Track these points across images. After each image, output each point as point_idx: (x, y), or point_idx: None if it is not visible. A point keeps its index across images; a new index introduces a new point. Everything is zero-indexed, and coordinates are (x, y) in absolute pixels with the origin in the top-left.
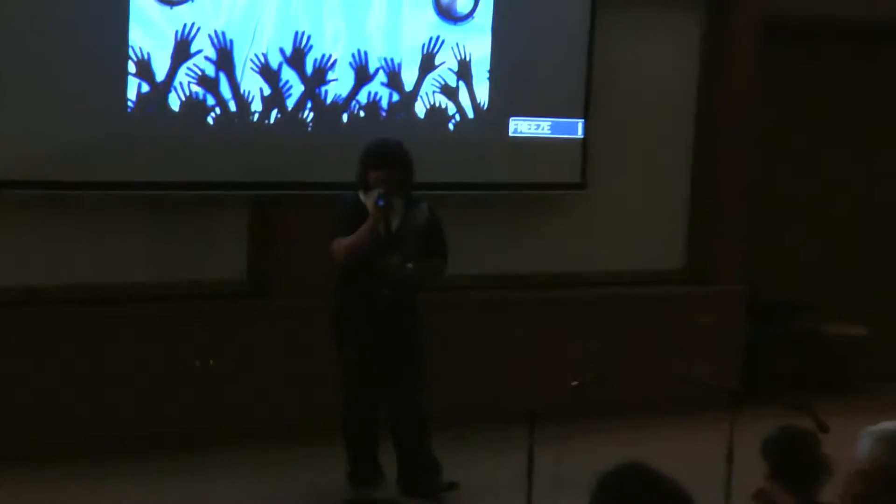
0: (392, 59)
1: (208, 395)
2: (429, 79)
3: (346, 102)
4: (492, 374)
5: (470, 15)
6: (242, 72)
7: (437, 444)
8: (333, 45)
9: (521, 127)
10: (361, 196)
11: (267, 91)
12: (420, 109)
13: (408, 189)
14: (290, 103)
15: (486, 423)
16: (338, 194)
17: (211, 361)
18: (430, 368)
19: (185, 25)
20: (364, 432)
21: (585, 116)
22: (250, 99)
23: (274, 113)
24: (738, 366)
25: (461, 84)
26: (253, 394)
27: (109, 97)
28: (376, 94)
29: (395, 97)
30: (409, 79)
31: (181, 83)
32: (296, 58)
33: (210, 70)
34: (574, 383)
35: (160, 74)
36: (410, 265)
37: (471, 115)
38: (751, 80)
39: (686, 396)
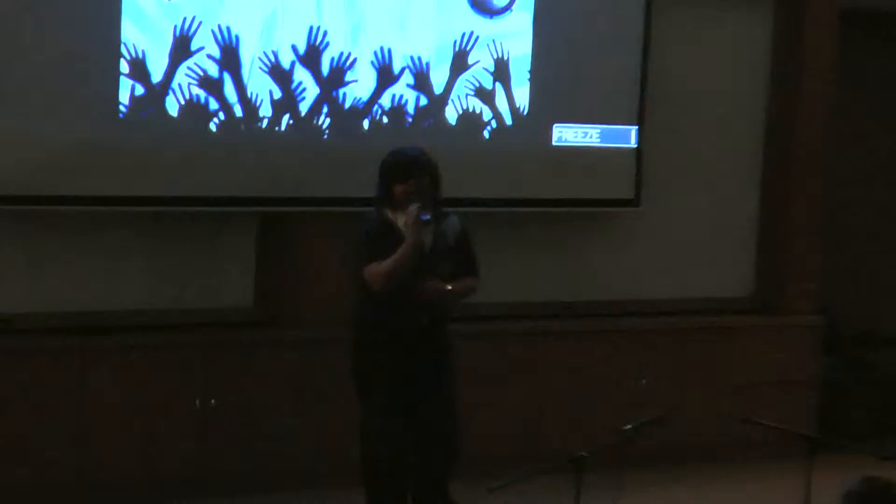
0: (419, 58)
1: (209, 437)
2: (461, 80)
3: (366, 107)
4: (530, 415)
5: (508, 7)
6: (250, 72)
7: (468, 497)
8: (353, 41)
9: (567, 135)
10: (388, 213)
11: (277, 94)
12: (451, 115)
13: (437, 200)
14: (304, 108)
15: (523, 473)
16: (357, 211)
17: (212, 401)
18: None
19: (184, 20)
20: (392, 485)
21: (639, 123)
22: (258, 103)
23: (285, 119)
24: (813, 407)
25: (498, 86)
26: (259, 437)
27: (98, 101)
28: (401, 97)
29: (423, 101)
30: (438, 80)
31: (180, 85)
32: (310, 56)
33: (213, 70)
34: (626, 427)
35: (156, 75)
36: (450, 287)
37: (509, 121)
38: (828, 81)
39: (754, 442)
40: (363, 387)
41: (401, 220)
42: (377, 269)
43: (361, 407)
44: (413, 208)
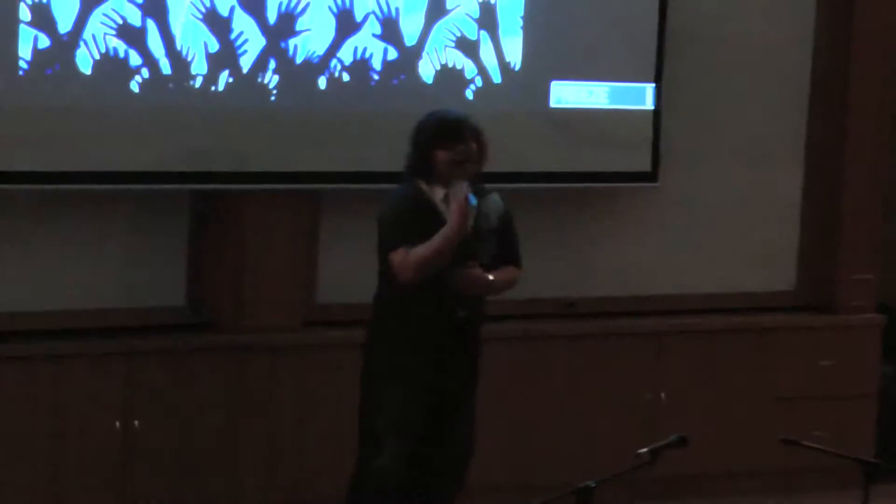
0: (387, 2)
1: (131, 467)
2: (438, 28)
3: (323, 61)
4: (525, 435)
5: None
6: (180, 19)
7: None
8: None
9: (567, 94)
10: (423, 187)
11: (214, 46)
12: (427, 71)
13: (479, 176)
14: (246, 63)
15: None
16: (314, 189)
17: (136, 423)
18: None
19: None
20: None
21: (657, 81)
22: (190, 57)
23: (224, 76)
24: (871, 424)
25: (484, 35)
26: (193, 466)
27: None
28: (365, 49)
29: (392, 54)
30: (410, 28)
31: (94, 35)
32: (254, 0)
33: (134, 17)
34: (641, 451)
35: (64, 23)
36: (492, 276)
37: (497, 78)
38: (888, 26)
39: (799, 469)
40: (377, 391)
41: (438, 196)
42: (409, 257)
43: (372, 415)
44: (462, 187)
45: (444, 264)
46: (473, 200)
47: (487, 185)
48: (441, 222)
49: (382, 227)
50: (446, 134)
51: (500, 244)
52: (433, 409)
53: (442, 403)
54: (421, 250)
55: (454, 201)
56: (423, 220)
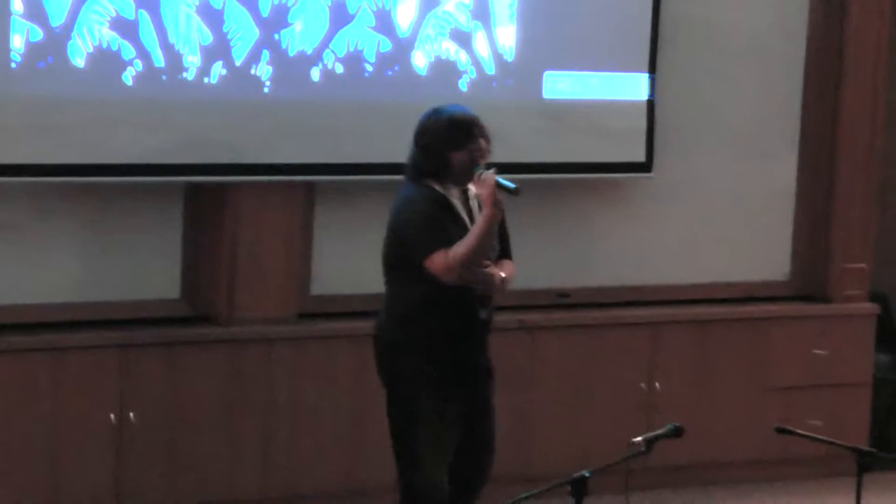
0: None
1: (125, 460)
2: (431, 19)
3: (316, 53)
4: (519, 426)
5: None
6: (172, 11)
7: None
8: None
9: (561, 85)
10: (438, 188)
11: (207, 38)
12: (420, 62)
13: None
14: (240, 55)
15: (513, 494)
16: (308, 180)
17: (131, 415)
18: None
19: None
20: None
21: (651, 71)
22: (184, 49)
23: (217, 68)
24: (865, 413)
25: (477, 26)
26: (187, 459)
27: None
28: (359, 41)
29: (386, 45)
30: (404, 19)
31: (87, 28)
32: None
33: (127, 9)
34: (635, 440)
35: (57, 16)
36: (504, 274)
37: (490, 69)
38: (882, 11)
39: (793, 457)
40: (408, 407)
41: (454, 195)
42: (451, 256)
43: (409, 431)
44: (491, 173)
45: (486, 256)
46: (509, 183)
47: None
48: (460, 221)
49: (405, 233)
50: (460, 135)
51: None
52: (466, 415)
53: (473, 407)
54: (462, 247)
55: (485, 188)
56: (449, 220)
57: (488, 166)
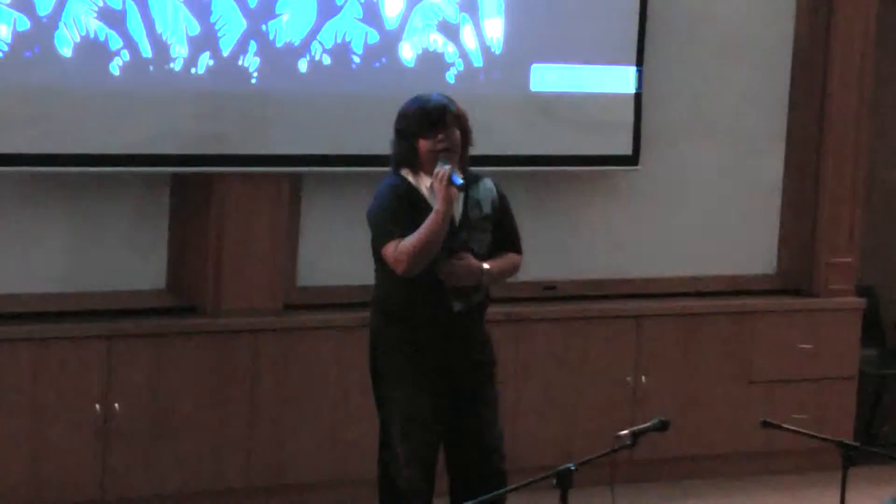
0: None
1: (111, 452)
2: (419, 10)
3: (303, 44)
4: (508, 417)
5: None
6: (160, 2)
7: None
8: None
9: (549, 78)
10: (409, 178)
11: (194, 29)
12: (408, 54)
13: (465, 161)
14: (227, 46)
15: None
16: (295, 171)
17: (116, 406)
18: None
19: None
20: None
21: (639, 63)
22: (171, 40)
23: (204, 59)
24: (851, 408)
25: (465, 18)
26: (173, 452)
27: None
28: (346, 32)
29: (373, 37)
30: (391, 11)
31: (74, 18)
32: None
33: None
34: (621, 433)
35: (44, 5)
36: (487, 265)
37: (478, 61)
38: (868, 16)
39: (778, 451)
40: (383, 394)
41: (425, 184)
42: (401, 248)
43: (381, 414)
44: (443, 168)
45: (437, 250)
46: (458, 180)
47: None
48: (430, 211)
49: (371, 222)
50: (428, 122)
51: (497, 231)
52: (449, 409)
53: (456, 401)
54: (411, 239)
55: (436, 182)
56: (412, 210)
57: (465, 162)
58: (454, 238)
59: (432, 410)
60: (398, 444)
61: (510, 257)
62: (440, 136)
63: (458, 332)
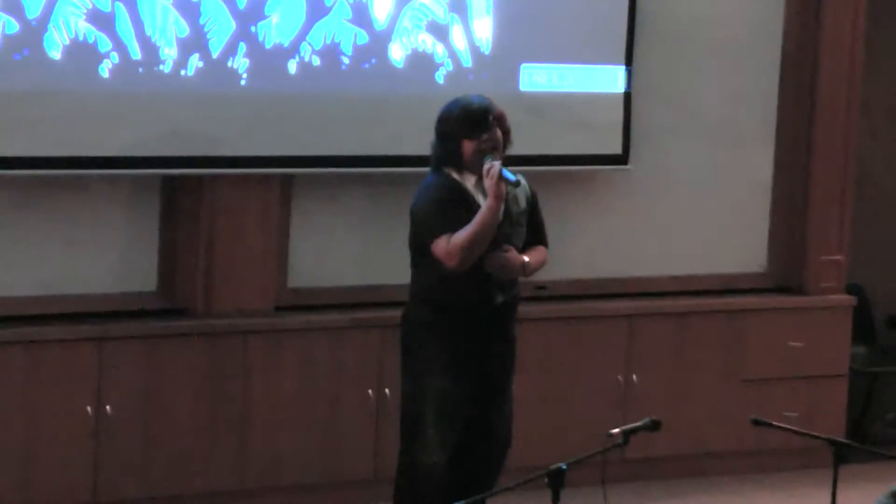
0: None
1: (103, 454)
2: (408, 11)
3: (293, 45)
4: None
5: None
6: (149, 4)
7: None
8: None
9: (538, 77)
10: (455, 176)
11: (184, 30)
12: (397, 55)
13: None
14: (216, 47)
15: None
16: (285, 172)
17: (108, 408)
18: None
19: None
20: (445, 497)
21: (628, 63)
22: (160, 42)
23: (194, 61)
24: (841, 405)
25: (454, 18)
26: (166, 454)
27: None
28: (335, 33)
29: (363, 38)
30: (381, 12)
31: (63, 20)
32: None
33: (104, 2)
34: (612, 432)
35: (33, 8)
36: (527, 258)
37: (467, 61)
38: (857, 6)
39: (769, 450)
40: (421, 384)
41: (470, 183)
42: (454, 243)
43: (418, 408)
44: (493, 164)
45: (487, 245)
46: (511, 176)
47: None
48: (476, 208)
49: (418, 218)
50: (472, 124)
51: (529, 226)
52: (478, 398)
53: (486, 391)
54: (463, 234)
55: (487, 178)
56: (460, 207)
57: (505, 159)
58: (498, 232)
59: (466, 402)
60: (430, 426)
61: (541, 250)
62: (484, 137)
63: (497, 324)
